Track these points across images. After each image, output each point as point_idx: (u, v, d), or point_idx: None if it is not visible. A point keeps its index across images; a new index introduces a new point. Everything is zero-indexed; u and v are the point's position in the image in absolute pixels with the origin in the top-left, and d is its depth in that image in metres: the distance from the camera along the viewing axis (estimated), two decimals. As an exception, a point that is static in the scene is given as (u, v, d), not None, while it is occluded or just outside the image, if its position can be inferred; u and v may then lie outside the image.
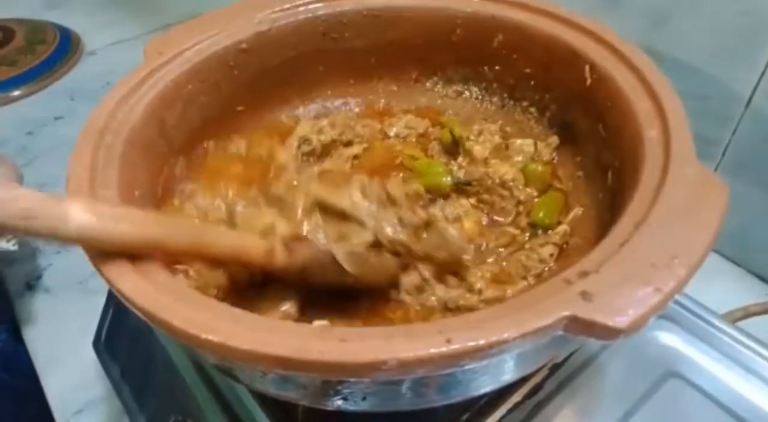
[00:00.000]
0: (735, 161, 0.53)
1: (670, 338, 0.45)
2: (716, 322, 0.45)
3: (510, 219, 0.43)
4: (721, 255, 0.58)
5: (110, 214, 0.28)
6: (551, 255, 0.40)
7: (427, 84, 0.53)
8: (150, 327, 0.47)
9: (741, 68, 0.49)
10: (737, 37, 0.49)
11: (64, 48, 0.98)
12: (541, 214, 0.42)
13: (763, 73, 0.48)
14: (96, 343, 0.53)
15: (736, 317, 0.48)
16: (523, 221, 0.43)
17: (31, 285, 0.64)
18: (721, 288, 0.55)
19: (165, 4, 1.09)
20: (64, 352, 0.56)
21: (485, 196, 0.44)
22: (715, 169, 0.55)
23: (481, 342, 0.24)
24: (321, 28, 0.49)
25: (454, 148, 0.48)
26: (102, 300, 0.53)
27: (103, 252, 0.29)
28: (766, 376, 0.42)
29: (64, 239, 0.27)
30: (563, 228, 0.41)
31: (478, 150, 0.46)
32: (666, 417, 0.41)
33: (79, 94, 0.91)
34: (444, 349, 0.24)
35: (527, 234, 0.42)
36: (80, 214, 0.26)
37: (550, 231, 0.42)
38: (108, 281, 0.29)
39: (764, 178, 0.52)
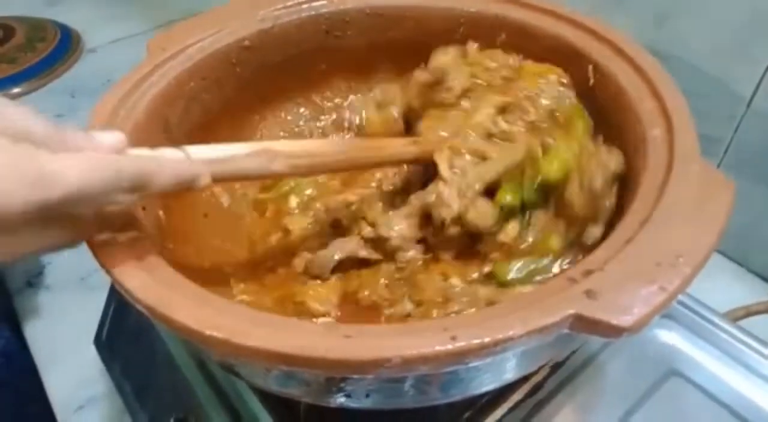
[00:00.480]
0: (737, 160, 0.53)
1: (671, 336, 0.45)
2: (717, 321, 0.45)
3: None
4: (723, 254, 0.58)
5: (304, 151, 0.37)
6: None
7: (430, 82, 0.53)
8: (152, 324, 0.48)
9: (743, 67, 0.50)
10: (739, 36, 0.49)
11: (65, 45, 0.98)
12: (506, 268, 0.38)
13: (765, 72, 0.48)
14: (97, 340, 0.53)
15: (737, 316, 0.48)
16: (486, 268, 0.39)
17: (32, 282, 0.64)
18: (722, 286, 0.55)
19: (166, 1, 1.09)
20: (65, 350, 0.56)
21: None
22: (717, 168, 0.55)
23: (486, 339, 0.24)
24: (324, 26, 0.49)
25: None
26: (103, 297, 0.53)
27: (110, 249, 0.30)
28: (768, 375, 0.42)
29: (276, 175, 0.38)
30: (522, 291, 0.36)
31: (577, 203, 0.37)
32: (667, 415, 0.41)
33: (79, 91, 0.90)
34: (449, 347, 0.24)
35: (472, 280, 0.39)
36: (284, 159, 0.35)
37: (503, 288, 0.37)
38: (114, 278, 0.29)
39: (766, 177, 0.52)
